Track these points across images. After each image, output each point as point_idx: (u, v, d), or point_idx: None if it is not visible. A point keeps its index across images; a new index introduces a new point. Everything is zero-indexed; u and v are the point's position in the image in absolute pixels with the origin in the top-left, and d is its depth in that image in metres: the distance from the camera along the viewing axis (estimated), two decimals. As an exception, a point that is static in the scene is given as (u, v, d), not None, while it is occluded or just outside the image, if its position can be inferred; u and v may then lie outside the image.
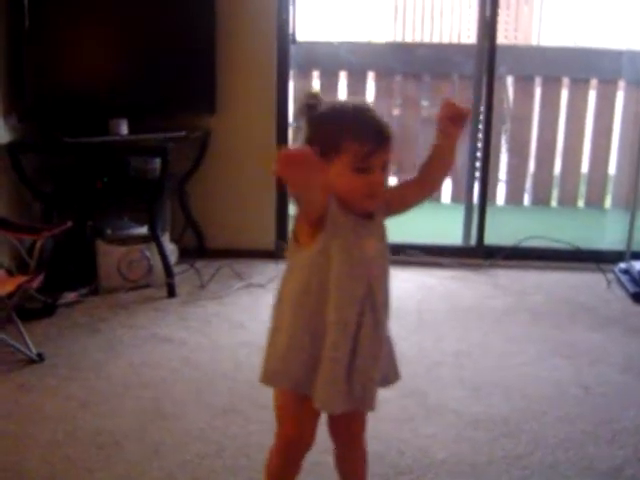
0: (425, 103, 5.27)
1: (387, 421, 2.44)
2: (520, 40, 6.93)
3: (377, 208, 1.67)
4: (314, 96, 1.66)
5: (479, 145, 4.40)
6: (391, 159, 1.61)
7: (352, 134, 1.57)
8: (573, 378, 2.83)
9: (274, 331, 1.70)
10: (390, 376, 1.79)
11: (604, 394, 2.71)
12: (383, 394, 1.75)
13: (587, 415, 2.55)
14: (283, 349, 1.66)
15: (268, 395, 1.74)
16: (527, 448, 2.33)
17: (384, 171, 1.61)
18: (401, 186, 1.79)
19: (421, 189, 1.80)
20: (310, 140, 1.61)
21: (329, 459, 1.92)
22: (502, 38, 6.62)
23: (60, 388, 2.69)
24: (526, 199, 5.36)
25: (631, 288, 3.72)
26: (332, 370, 1.63)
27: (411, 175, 1.76)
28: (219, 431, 2.40)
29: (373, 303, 1.64)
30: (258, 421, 2.40)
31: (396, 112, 5.28)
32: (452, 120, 1.69)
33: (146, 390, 2.68)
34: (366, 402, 1.69)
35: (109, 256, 3.63)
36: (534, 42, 6.72)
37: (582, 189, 5.30)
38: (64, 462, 2.22)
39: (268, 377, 1.70)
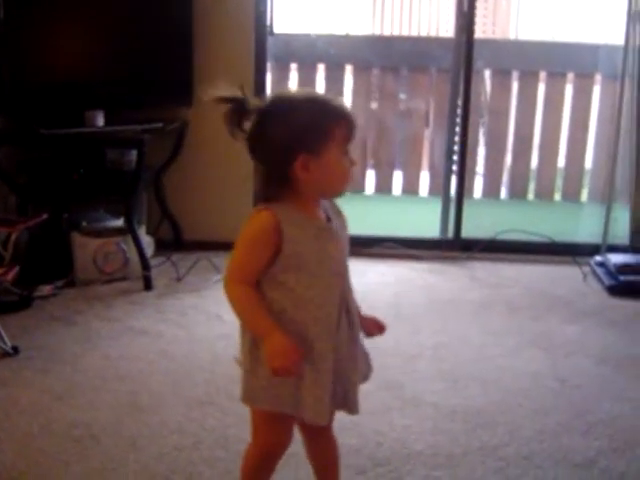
0: (403, 96, 5.27)
1: (364, 414, 2.39)
2: (498, 34, 6.96)
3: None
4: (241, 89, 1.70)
5: (456, 139, 4.41)
6: None
7: (337, 119, 1.57)
8: (549, 370, 2.85)
9: (252, 348, 1.64)
10: (367, 372, 1.79)
11: (579, 386, 2.73)
12: (360, 388, 1.75)
13: (562, 407, 2.57)
14: (265, 372, 1.61)
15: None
16: (503, 439, 2.34)
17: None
18: None
19: None
20: (296, 133, 1.56)
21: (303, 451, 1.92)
22: (480, 32, 6.66)
23: (36, 381, 2.67)
24: (503, 192, 5.37)
25: (607, 281, 3.75)
26: (321, 383, 1.62)
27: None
28: (196, 423, 2.39)
29: (347, 305, 1.66)
30: (235, 414, 2.39)
31: (374, 105, 5.27)
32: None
33: (123, 383, 2.67)
34: (350, 407, 1.70)
35: (85, 248, 3.60)
36: (512, 36, 6.75)
37: (559, 182, 5.32)
38: (39, 455, 2.21)
39: (251, 399, 1.69)
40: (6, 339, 2.87)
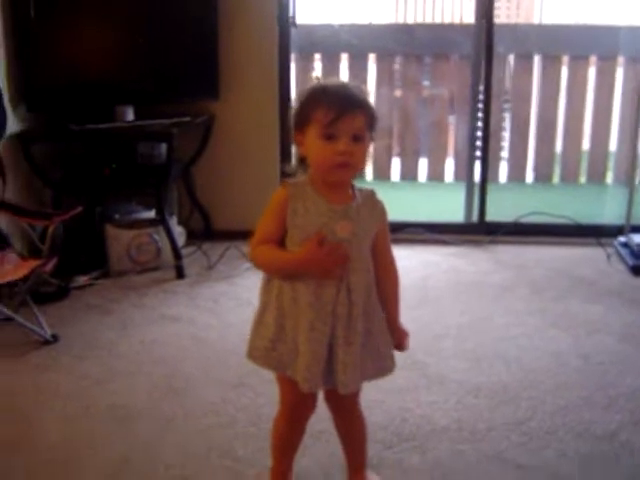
0: (426, 84, 5.33)
1: (390, 392, 2.53)
2: (522, 18, 6.98)
3: (348, 178, 1.74)
4: (318, 78, 1.76)
5: (479, 124, 4.46)
6: (365, 130, 1.68)
7: (318, 102, 1.67)
8: (572, 348, 2.92)
9: (262, 311, 1.80)
10: (389, 364, 1.87)
11: (602, 362, 2.79)
12: None
13: (584, 383, 2.64)
14: (269, 334, 1.77)
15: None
16: (526, 414, 2.42)
17: (357, 142, 1.66)
18: (386, 264, 1.86)
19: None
20: (292, 114, 1.74)
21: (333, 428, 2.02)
22: (504, 17, 6.71)
23: (75, 367, 2.79)
24: (529, 177, 5.41)
25: (630, 261, 3.80)
26: (313, 351, 1.72)
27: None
28: (230, 404, 2.49)
29: (348, 284, 1.73)
30: (267, 394, 2.47)
31: (398, 93, 5.33)
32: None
33: (157, 367, 2.78)
34: (344, 384, 1.77)
35: (118, 240, 3.72)
36: (536, 20, 6.77)
37: (584, 165, 5.35)
38: (82, 436, 2.32)
39: (254, 357, 1.82)
40: (46, 327, 2.99)
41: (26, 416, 2.44)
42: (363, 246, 1.77)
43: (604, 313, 3.26)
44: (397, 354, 1.88)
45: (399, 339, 1.88)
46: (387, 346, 1.85)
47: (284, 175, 1.83)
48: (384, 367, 1.85)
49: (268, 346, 1.78)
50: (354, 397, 1.94)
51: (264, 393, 2.50)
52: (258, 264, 1.76)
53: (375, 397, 2.44)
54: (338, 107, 1.65)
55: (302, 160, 1.77)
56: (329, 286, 1.72)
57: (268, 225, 1.74)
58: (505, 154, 5.35)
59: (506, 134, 5.29)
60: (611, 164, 5.28)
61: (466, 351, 2.90)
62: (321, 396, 1.92)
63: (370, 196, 1.80)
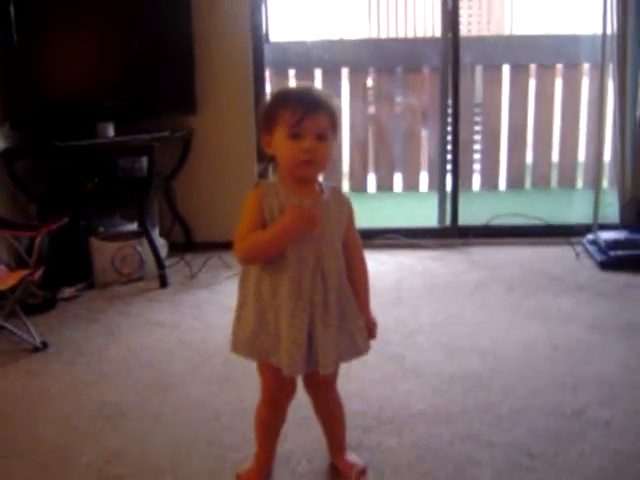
0: (399, 99, 5.46)
1: (368, 382, 2.66)
2: (493, 31, 7.17)
3: (314, 175, 1.89)
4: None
5: (449, 134, 4.61)
6: (328, 129, 1.82)
7: (283, 103, 1.82)
8: (543, 338, 3.05)
9: (240, 304, 1.94)
10: (362, 345, 1.99)
11: (571, 350, 2.93)
12: (363, 359, 1.97)
13: (554, 368, 2.77)
14: (250, 325, 1.90)
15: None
16: (498, 398, 2.54)
17: (322, 140, 1.81)
18: (355, 254, 2.00)
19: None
20: (261, 116, 1.88)
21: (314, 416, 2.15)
22: (475, 30, 6.90)
23: (65, 371, 2.88)
24: (502, 185, 5.52)
25: (598, 257, 3.95)
26: (294, 337, 1.86)
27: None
28: (215, 398, 2.60)
29: (322, 271, 1.87)
30: (251, 388, 2.52)
31: (371, 106, 5.46)
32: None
33: (145, 369, 2.88)
34: (324, 365, 1.89)
35: (103, 252, 3.82)
36: (507, 32, 6.95)
37: (554, 172, 5.48)
38: (75, 433, 2.42)
39: (237, 348, 1.96)
40: (35, 335, 3.08)
41: (20, 419, 2.54)
42: (334, 236, 1.92)
43: (574, 306, 3.40)
44: (376, 348, 2.01)
45: (369, 328, 2.01)
46: (360, 329, 1.97)
47: (259, 177, 1.97)
48: (358, 348, 1.97)
49: (250, 336, 1.90)
50: (331, 382, 2.07)
51: (247, 387, 2.58)
52: (246, 252, 1.85)
53: (354, 387, 2.56)
54: (303, 108, 1.78)
55: (271, 160, 1.91)
56: (306, 276, 1.85)
57: (248, 222, 1.85)
58: (478, 163, 5.47)
59: (477, 144, 5.41)
60: (580, 170, 5.42)
61: (441, 344, 3.02)
62: (300, 385, 2.04)
63: (336, 191, 1.96)
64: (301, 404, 2.15)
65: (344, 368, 2.04)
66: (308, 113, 1.78)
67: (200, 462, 2.21)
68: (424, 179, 5.50)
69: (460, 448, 2.24)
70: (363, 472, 2.12)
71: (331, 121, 1.84)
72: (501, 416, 2.42)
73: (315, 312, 1.87)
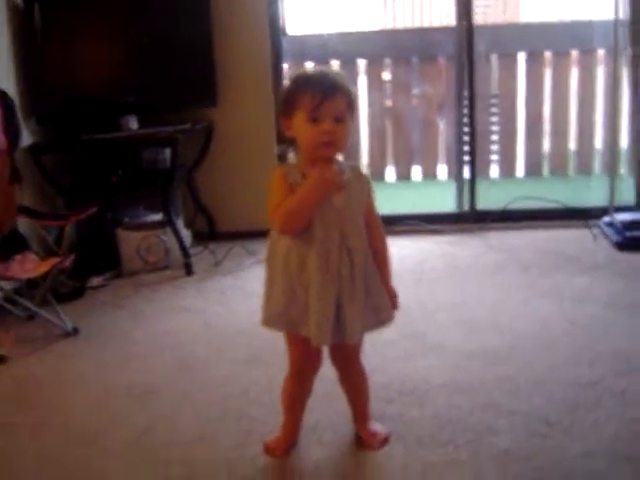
0: (415, 89, 5.51)
1: (390, 359, 2.74)
2: (508, 20, 7.21)
3: (333, 155, 1.97)
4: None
5: (465, 122, 4.67)
6: (346, 112, 1.90)
7: (303, 89, 1.90)
8: (559, 315, 3.11)
9: (269, 282, 2.04)
10: (385, 316, 2.08)
11: (586, 326, 2.99)
12: (386, 336, 2.08)
13: (571, 344, 2.83)
14: (280, 300, 1.99)
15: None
16: (516, 371, 2.61)
17: (340, 122, 1.89)
18: (375, 230, 2.08)
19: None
20: (280, 102, 1.97)
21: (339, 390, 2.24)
22: (491, 20, 6.94)
23: (96, 355, 2.99)
24: (519, 172, 5.56)
25: (614, 238, 4.00)
26: (323, 310, 1.95)
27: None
28: (242, 377, 2.69)
29: (348, 248, 1.96)
30: (277, 367, 2.63)
31: (388, 97, 5.52)
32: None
33: (172, 351, 2.98)
34: (350, 336, 1.99)
35: (129, 242, 3.94)
36: (523, 20, 6.99)
37: (572, 159, 5.51)
38: (106, 413, 2.51)
39: (268, 321, 2.06)
40: (67, 321, 3.19)
41: (53, 400, 2.64)
42: (357, 214, 2.01)
43: (590, 284, 3.46)
44: (398, 326, 2.10)
45: (391, 299, 2.10)
46: (383, 301, 2.07)
47: (279, 158, 2.09)
48: (382, 318, 2.08)
49: (281, 311, 2.00)
50: (356, 355, 2.16)
51: (273, 366, 2.67)
52: (283, 218, 1.94)
53: (377, 362, 2.63)
54: (321, 93, 1.87)
55: (290, 142, 2.00)
56: (333, 251, 1.94)
57: (279, 193, 1.95)
58: (495, 153, 5.50)
59: (495, 133, 5.45)
60: (597, 157, 5.45)
61: (461, 322, 3.09)
62: (326, 359, 2.14)
63: (356, 170, 2.06)
64: (327, 378, 2.22)
65: (367, 345, 2.14)
66: (326, 97, 1.87)
67: (229, 435, 2.30)
68: (442, 169, 5.55)
69: (480, 417, 2.32)
70: (386, 439, 2.20)
71: (348, 103, 1.92)
72: (519, 387, 2.49)
73: (343, 286, 1.96)
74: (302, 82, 1.93)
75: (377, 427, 2.25)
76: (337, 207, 1.95)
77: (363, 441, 2.21)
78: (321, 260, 1.94)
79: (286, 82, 2.03)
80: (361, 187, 2.03)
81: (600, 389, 2.45)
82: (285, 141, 2.04)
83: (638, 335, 2.88)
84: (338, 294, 1.96)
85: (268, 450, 2.19)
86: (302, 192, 1.91)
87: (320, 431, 2.28)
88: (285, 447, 2.20)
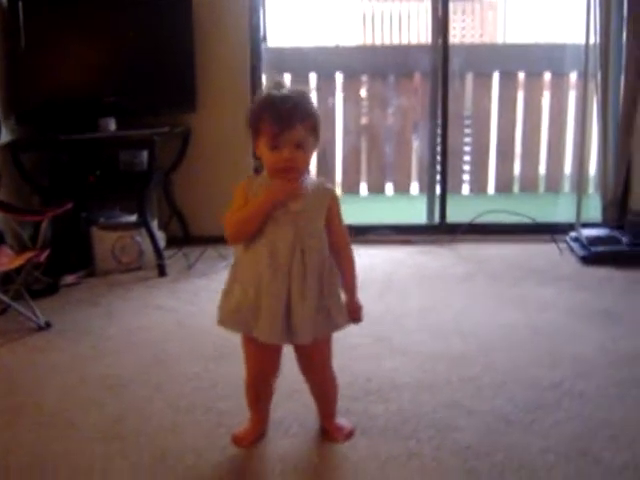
0: (391, 105, 5.59)
1: (356, 360, 2.80)
2: (486, 40, 7.35)
3: (294, 178, 2.01)
4: (278, 83, 2.04)
5: (438, 138, 4.78)
6: (306, 138, 1.96)
7: (263, 117, 1.95)
8: (523, 323, 3.20)
9: (230, 281, 2.10)
10: (339, 321, 2.12)
11: (550, 333, 3.08)
12: (352, 340, 2.14)
13: (533, 348, 2.92)
14: (235, 299, 2.06)
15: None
16: (479, 372, 2.69)
17: (300, 149, 1.95)
18: (340, 242, 2.14)
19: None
20: (247, 124, 2.01)
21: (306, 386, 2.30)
22: (469, 37, 7.07)
23: (68, 348, 3.02)
24: (490, 189, 5.64)
25: (580, 252, 4.11)
26: (270, 306, 2.02)
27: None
28: (212, 372, 2.74)
29: (302, 248, 2.02)
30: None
31: (364, 111, 5.59)
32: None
33: (145, 346, 3.02)
34: (301, 336, 2.05)
35: (103, 241, 3.98)
36: (500, 41, 7.13)
37: (542, 178, 5.61)
38: (78, 400, 2.56)
39: (223, 321, 2.12)
40: (40, 316, 3.22)
41: (26, 388, 2.67)
42: (315, 219, 2.06)
43: (554, 295, 3.55)
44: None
45: (355, 311, 2.16)
46: (338, 307, 2.12)
47: (255, 171, 2.16)
48: (336, 323, 2.12)
49: (233, 309, 2.07)
50: (323, 361, 2.22)
51: (243, 364, 2.73)
52: (233, 226, 2.03)
53: (343, 363, 2.67)
54: (279, 124, 1.92)
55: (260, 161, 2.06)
56: (283, 249, 2.00)
57: (233, 206, 2.04)
58: (467, 169, 5.58)
59: (468, 150, 5.54)
60: (566, 177, 5.55)
61: (427, 326, 3.17)
62: (291, 358, 2.19)
63: (320, 184, 2.10)
64: (293, 378, 2.29)
65: (333, 346, 2.19)
66: (284, 129, 1.92)
67: (198, 425, 2.35)
68: (415, 186, 5.61)
69: (442, 414, 2.39)
70: (351, 433, 2.27)
71: (310, 129, 1.97)
72: (482, 388, 2.57)
73: (293, 285, 2.01)
74: (263, 109, 1.96)
75: (342, 421, 2.31)
76: (293, 210, 2.01)
77: (328, 434, 2.27)
78: (271, 257, 2.00)
79: (254, 100, 2.07)
80: (322, 198, 2.07)
81: (560, 391, 2.53)
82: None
83: (598, 341, 2.97)
84: (288, 292, 2.01)
85: (236, 441, 2.25)
86: (251, 205, 1.99)
87: (287, 424, 2.34)
88: (252, 438, 2.25)
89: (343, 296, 2.14)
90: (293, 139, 1.93)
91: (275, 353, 2.16)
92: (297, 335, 2.04)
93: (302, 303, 2.02)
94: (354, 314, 2.15)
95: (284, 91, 1.99)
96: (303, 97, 2.00)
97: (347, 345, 2.86)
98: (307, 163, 2.02)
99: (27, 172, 3.94)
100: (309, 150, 1.99)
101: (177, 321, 3.31)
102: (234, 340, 2.20)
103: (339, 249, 2.12)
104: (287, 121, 1.92)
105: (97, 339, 3.11)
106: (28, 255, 3.16)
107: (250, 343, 2.12)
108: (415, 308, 3.40)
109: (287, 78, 5.38)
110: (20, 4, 3.96)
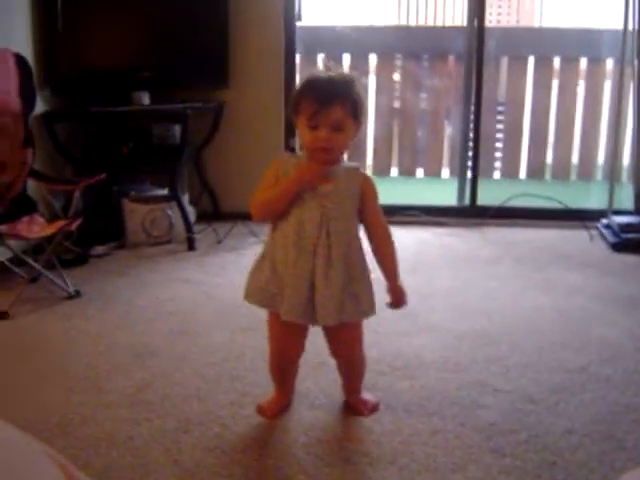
0: (424, 86, 5.57)
1: (384, 335, 2.81)
2: (522, 23, 7.29)
3: (330, 160, 2.01)
4: (328, 67, 2.04)
5: (471, 121, 4.75)
6: (345, 120, 1.94)
7: (304, 94, 1.96)
8: (549, 305, 3.19)
9: (261, 258, 2.12)
10: (366, 308, 2.13)
11: (576, 316, 3.07)
12: (381, 317, 2.13)
13: (560, 330, 2.91)
14: (265, 276, 2.07)
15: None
16: (505, 353, 2.69)
17: (338, 131, 1.94)
18: (377, 226, 2.14)
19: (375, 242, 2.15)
20: (291, 102, 2.02)
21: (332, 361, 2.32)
22: (504, 21, 7.02)
23: (98, 316, 3.07)
24: (522, 174, 5.62)
25: (611, 239, 4.08)
26: (294, 284, 2.02)
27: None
28: (239, 343, 2.77)
29: (327, 230, 2.01)
30: None
31: (397, 93, 5.58)
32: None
33: (172, 316, 3.06)
34: (322, 318, 2.05)
35: (134, 214, 4.02)
36: (536, 24, 7.06)
37: (574, 164, 5.57)
38: (106, 366, 2.59)
39: (250, 296, 2.13)
40: (70, 284, 3.26)
41: (57, 351, 2.73)
42: (343, 201, 2.04)
43: (582, 280, 3.54)
44: (392, 310, 2.16)
45: (397, 297, 2.16)
46: (367, 294, 2.12)
47: (292, 150, 2.17)
48: (361, 311, 2.12)
49: (262, 286, 2.09)
50: (352, 333, 2.20)
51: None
52: (258, 206, 2.05)
53: (370, 339, 2.69)
54: (317, 103, 1.92)
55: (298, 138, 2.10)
56: (310, 230, 2.01)
57: (262, 185, 2.05)
58: (499, 155, 5.56)
59: (500, 136, 5.51)
60: (599, 165, 5.50)
61: (453, 306, 3.17)
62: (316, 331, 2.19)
63: (353, 168, 2.09)
64: (320, 351, 2.31)
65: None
66: (322, 108, 1.92)
67: (224, 394, 2.38)
68: (446, 171, 5.60)
69: (467, 392, 2.39)
70: (375, 407, 2.28)
71: (349, 110, 1.95)
72: (507, 368, 2.57)
73: (317, 265, 2.01)
74: (304, 88, 1.98)
75: (367, 396, 2.32)
76: (322, 193, 2.01)
77: (353, 408, 2.28)
78: (297, 237, 2.01)
79: (299, 82, 2.08)
80: (354, 181, 2.05)
81: (585, 374, 2.52)
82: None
83: (624, 326, 2.95)
84: (311, 273, 2.01)
85: (260, 411, 2.26)
86: (279, 186, 2.01)
87: (312, 396, 2.36)
88: (276, 410, 2.27)
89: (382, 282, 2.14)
90: (331, 119, 1.92)
91: (299, 333, 2.17)
92: (318, 316, 2.05)
93: (326, 284, 2.02)
94: (397, 300, 2.15)
95: (331, 73, 1.99)
96: (347, 79, 1.98)
97: (375, 321, 2.84)
98: (345, 146, 2.02)
99: (61, 143, 3.99)
100: (348, 133, 1.97)
101: (205, 293, 3.33)
102: (261, 314, 2.21)
103: (377, 234, 2.12)
104: (326, 100, 1.92)
105: (126, 308, 3.14)
106: (60, 224, 3.20)
107: (275, 322, 2.13)
108: (442, 288, 3.41)
109: (320, 58, 5.40)
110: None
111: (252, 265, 2.13)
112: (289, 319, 2.06)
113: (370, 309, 2.13)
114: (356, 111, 1.96)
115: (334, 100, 1.92)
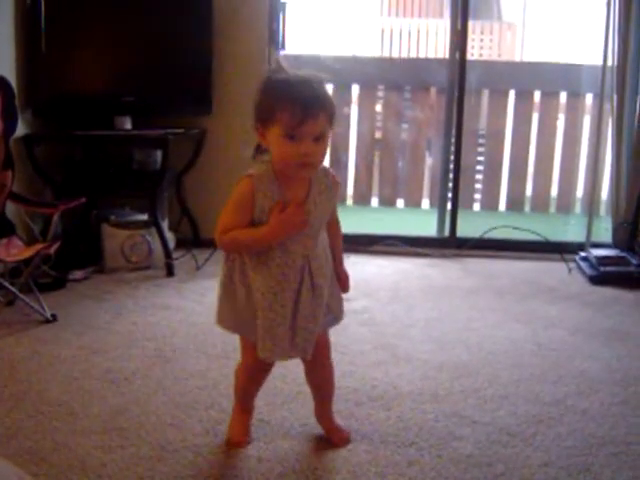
0: (406, 117, 5.60)
1: (362, 366, 2.80)
2: (504, 58, 7.39)
3: (309, 175, 1.91)
4: (278, 63, 1.92)
5: (452, 152, 4.78)
6: (326, 129, 1.81)
7: (283, 102, 1.77)
8: (528, 338, 3.19)
9: (229, 281, 2.04)
10: (337, 314, 2.14)
11: (554, 349, 3.07)
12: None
13: (537, 363, 2.91)
14: (236, 301, 2.01)
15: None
16: (483, 385, 2.68)
17: (318, 142, 1.81)
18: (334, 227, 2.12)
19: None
20: (255, 106, 1.87)
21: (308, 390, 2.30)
22: (486, 55, 7.10)
23: (73, 340, 3.03)
24: (501, 206, 5.64)
25: (589, 272, 4.10)
26: (271, 328, 1.97)
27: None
28: (215, 371, 2.74)
29: (310, 269, 1.97)
30: None
31: (379, 123, 5.60)
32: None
33: (149, 342, 3.03)
34: (306, 351, 2.04)
35: (113, 239, 3.99)
36: (517, 58, 7.17)
37: (554, 197, 5.61)
38: (80, 392, 2.56)
39: (222, 321, 2.11)
40: (46, 308, 3.23)
41: (29, 378, 2.67)
42: (322, 219, 2.00)
43: (561, 312, 3.54)
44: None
45: (343, 281, 2.14)
46: (336, 300, 2.12)
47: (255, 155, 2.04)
48: (333, 317, 2.13)
49: (235, 312, 2.04)
50: (324, 349, 2.18)
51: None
52: (227, 245, 1.96)
53: (348, 369, 2.71)
54: (302, 111, 1.74)
55: (260, 148, 1.98)
56: (292, 274, 1.95)
57: (234, 217, 1.93)
58: (479, 187, 5.58)
59: (480, 168, 5.53)
60: (579, 199, 5.54)
61: (432, 337, 3.16)
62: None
63: (324, 173, 1.98)
64: (296, 380, 2.30)
65: (339, 353, 2.23)
66: (307, 118, 1.76)
67: (199, 422, 2.35)
68: (426, 202, 5.61)
69: (444, 424, 2.38)
70: (349, 437, 2.25)
71: (330, 118, 1.82)
72: (485, 399, 2.56)
73: (300, 305, 1.97)
74: (282, 94, 1.79)
75: (340, 423, 2.30)
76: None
77: (329, 437, 2.26)
78: (276, 281, 1.94)
79: (265, 81, 1.87)
80: (329, 199, 1.99)
81: (562, 407, 2.52)
82: (258, 147, 1.99)
83: (602, 359, 2.95)
84: (293, 312, 1.96)
85: (230, 444, 2.22)
86: (258, 235, 1.89)
87: (288, 426, 2.34)
88: (244, 431, 2.23)
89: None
90: (315, 131, 1.77)
91: None
92: (302, 351, 2.03)
93: (313, 321, 2.00)
94: (343, 283, 2.13)
95: (298, 73, 1.84)
96: (320, 82, 1.83)
97: (353, 351, 2.88)
98: (323, 157, 1.87)
99: (41, 166, 3.96)
100: (326, 141, 1.83)
101: (183, 319, 3.31)
102: (238, 339, 2.20)
103: (333, 229, 2.10)
104: (311, 109, 1.75)
105: (102, 334, 3.12)
106: (38, 247, 3.18)
107: (248, 343, 2.09)
108: (421, 318, 3.40)
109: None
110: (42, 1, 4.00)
111: (219, 289, 2.09)
112: (267, 360, 2.04)
113: (340, 313, 2.14)
114: (333, 118, 1.83)
115: (320, 107, 1.77)
